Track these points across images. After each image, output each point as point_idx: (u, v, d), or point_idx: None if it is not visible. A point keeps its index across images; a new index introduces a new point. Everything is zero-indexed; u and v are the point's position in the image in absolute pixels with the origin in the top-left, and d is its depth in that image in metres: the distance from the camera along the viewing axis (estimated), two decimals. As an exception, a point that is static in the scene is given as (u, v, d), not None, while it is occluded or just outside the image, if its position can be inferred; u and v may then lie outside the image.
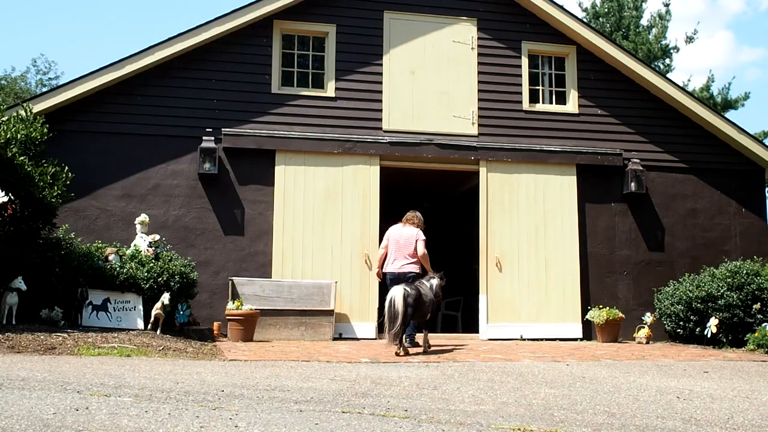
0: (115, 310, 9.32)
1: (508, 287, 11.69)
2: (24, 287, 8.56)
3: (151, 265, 9.45)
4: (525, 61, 12.29)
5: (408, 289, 8.34)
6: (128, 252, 9.65)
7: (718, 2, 56.37)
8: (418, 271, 9.42)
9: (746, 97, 26.60)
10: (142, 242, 9.86)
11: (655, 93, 12.57)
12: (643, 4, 27.29)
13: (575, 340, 11.59)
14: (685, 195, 12.60)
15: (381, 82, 11.76)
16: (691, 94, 13.00)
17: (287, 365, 6.98)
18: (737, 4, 56.11)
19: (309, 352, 8.40)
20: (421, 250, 9.45)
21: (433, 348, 9.21)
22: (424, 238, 9.57)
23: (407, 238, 9.51)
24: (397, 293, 8.24)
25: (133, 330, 9.09)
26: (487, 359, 8.14)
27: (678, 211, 12.54)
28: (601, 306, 11.53)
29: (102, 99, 10.98)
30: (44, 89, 27.95)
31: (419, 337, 9.22)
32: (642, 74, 12.40)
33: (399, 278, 9.17)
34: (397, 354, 8.31)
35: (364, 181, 11.52)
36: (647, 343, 11.13)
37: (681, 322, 10.99)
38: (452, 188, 14.75)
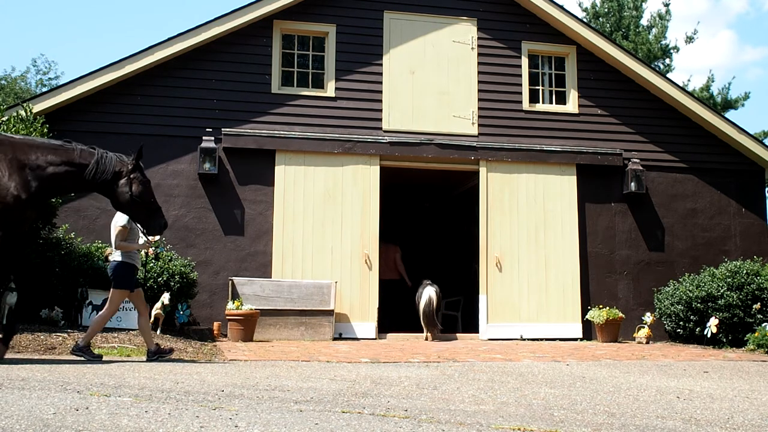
0: (115, 310, 9.31)
1: (508, 287, 11.69)
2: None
3: (151, 265, 9.45)
4: (525, 61, 12.29)
5: (437, 290, 11.23)
6: (128, 252, 9.64)
7: (721, 2, 56.39)
8: (398, 277, 12.81)
9: (746, 97, 26.58)
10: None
11: (655, 93, 12.57)
12: (643, 4, 27.24)
13: (575, 340, 11.59)
14: (685, 195, 12.60)
15: (381, 82, 11.76)
16: (691, 94, 13.01)
17: (287, 365, 6.98)
18: (740, 4, 56.11)
19: (309, 352, 8.40)
20: (399, 262, 12.96)
21: (433, 347, 9.47)
22: (400, 253, 13.03)
23: (389, 254, 12.59)
24: (432, 294, 11.10)
25: (133, 330, 9.09)
26: (487, 359, 8.15)
27: (678, 211, 12.54)
28: (601, 306, 11.53)
29: (102, 99, 10.98)
30: (44, 89, 27.96)
31: None
32: (642, 74, 12.40)
33: (387, 283, 12.09)
34: (433, 340, 10.94)
35: (364, 181, 11.52)
36: (647, 343, 11.13)
37: (681, 322, 10.99)
38: (452, 188, 14.75)
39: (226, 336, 10.16)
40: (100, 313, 7.17)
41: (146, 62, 10.96)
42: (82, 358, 6.76)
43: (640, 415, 4.65)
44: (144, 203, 6.78)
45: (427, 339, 11.08)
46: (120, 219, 7.10)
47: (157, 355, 7.09)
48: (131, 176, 6.71)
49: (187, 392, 4.85)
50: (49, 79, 31.21)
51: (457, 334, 12.19)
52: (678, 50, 27.03)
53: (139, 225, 6.95)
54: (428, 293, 11.14)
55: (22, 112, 9.53)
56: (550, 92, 12.59)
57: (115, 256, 7.12)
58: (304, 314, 10.45)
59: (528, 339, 11.43)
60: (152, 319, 9.18)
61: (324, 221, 11.33)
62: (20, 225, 6.44)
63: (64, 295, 9.10)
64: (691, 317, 10.75)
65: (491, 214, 11.85)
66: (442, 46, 12.03)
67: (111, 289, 7.13)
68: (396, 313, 12.42)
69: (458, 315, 13.72)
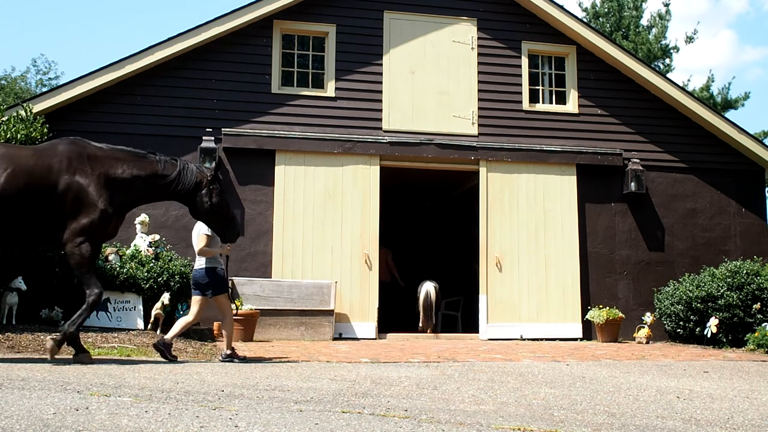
0: (115, 310, 9.32)
1: (508, 287, 11.69)
2: (24, 287, 8.56)
3: (151, 265, 9.45)
4: (525, 61, 12.29)
5: (436, 285, 12.03)
6: (128, 252, 9.65)
7: (721, 1, 56.40)
8: (390, 279, 13.04)
9: (746, 97, 26.57)
10: (142, 242, 9.86)
11: (655, 93, 12.57)
12: (643, 4, 27.24)
13: (575, 340, 11.59)
14: (685, 195, 12.60)
15: (381, 82, 11.76)
16: (691, 94, 13.01)
17: (287, 365, 6.98)
18: (740, 4, 56.11)
19: (309, 352, 8.40)
20: (392, 264, 13.29)
21: (433, 347, 9.46)
22: (391, 255, 13.28)
23: (381, 257, 12.28)
24: (431, 288, 11.90)
25: (133, 330, 9.09)
26: (487, 359, 8.14)
27: (678, 211, 12.54)
28: (601, 306, 11.53)
29: (102, 99, 10.98)
30: (44, 89, 27.94)
31: None
32: (642, 74, 12.40)
33: (381, 284, 11.79)
34: (433, 332, 11.78)
35: (364, 181, 11.52)
36: (647, 343, 11.13)
37: (681, 322, 10.99)
38: (452, 188, 14.75)
39: (226, 336, 10.14)
40: (225, 321, 7.48)
41: (146, 62, 10.96)
42: (164, 360, 6.94)
43: (640, 415, 4.65)
44: (221, 213, 7.05)
45: (426, 331, 11.77)
46: (204, 228, 7.34)
47: (231, 358, 7.31)
48: (211, 187, 6.97)
49: (187, 392, 4.85)
50: (49, 79, 31.23)
51: (457, 334, 12.20)
52: (678, 50, 27.04)
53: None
54: (426, 288, 11.98)
55: (22, 112, 9.53)
56: (550, 92, 12.59)
57: (200, 262, 7.36)
58: (304, 314, 10.44)
59: (528, 339, 11.43)
60: (152, 318, 9.18)
61: (324, 221, 11.33)
62: (105, 235, 6.78)
63: (64, 295, 9.09)
64: (691, 317, 10.75)
65: (491, 214, 11.85)
66: (442, 46, 12.03)
67: (215, 297, 7.38)
68: (391, 314, 12.45)
69: (458, 315, 13.72)
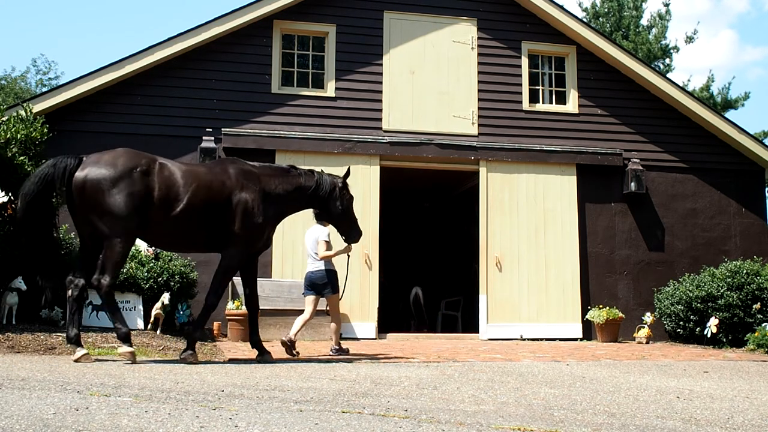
0: (115, 310, 9.31)
1: (508, 287, 11.69)
2: (24, 287, 8.56)
3: (151, 265, 9.45)
4: (525, 61, 12.29)
5: (421, 289, 13.80)
6: (128, 252, 9.64)
7: (722, 1, 56.40)
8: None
9: (746, 97, 26.57)
10: (142, 242, 9.85)
11: (655, 93, 12.57)
12: (643, 4, 27.25)
13: (575, 340, 11.59)
14: (685, 195, 12.60)
15: (381, 82, 11.76)
16: (691, 94, 13.01)
17: (287, 365, 6.98)
18: (741, 4, 56.13)
19: (309, 352, 8.40)
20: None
21: (433, 347, 9.46)
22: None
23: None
24: (418, 291, 13.69)
25: (133, 330, 9.08)
26: (487, 359, 8.14)
27: (678, 211, 12.54)
28: (601, 306, 11.53)
29: (102, 99, 10.98)
30: (44, 89, 27.94)
31: None
32: (642, 74, 12.40)
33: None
34: (416, 330, 13.02)
35: (364, 181, 11.52)
36: (647, 343, 11.13)
37: (681, 322, 10.99)
38: (452, 188, 14.75)
39: (226, 336, 10.15)
40: (335, 318, 8.22)
41: (146, 62, 10.96)
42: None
43: (640, 415, 4.65)
44: (349, 215, 7.79)
45: (419, 331, 12.98)
46: (321, 233, 8.10)
47: (339, 352, 8.14)
48: (342, 192, 7.66)
49: (187, 392, 4.85)
50: (49, 79, 31.25)
51: (457, 334, 12.19)
52: (678, 50, 27.04)
53: (341, 234, 7.80)
54: (414, 291, 13.96)
55: (22, 112, 9.52)
56: (550, 92, 12.59)
57: (318, 264, 8.09)
58: (304, 314, 10.43)
59: (528, 339, 11.43)
60: (152, 318, 9.18)
61: (324, 221, 11.30)
62: (261, 245, 7.39)
63: (64, 295, 9.08)
64: (691, 317, 10.75)
65: (491, 214, 11.85)
66: (442, 46, 12.02)
67: (325, 296, 8.13)
68: (384, 315, 12.50)
69: (458, 315, 13.73)
